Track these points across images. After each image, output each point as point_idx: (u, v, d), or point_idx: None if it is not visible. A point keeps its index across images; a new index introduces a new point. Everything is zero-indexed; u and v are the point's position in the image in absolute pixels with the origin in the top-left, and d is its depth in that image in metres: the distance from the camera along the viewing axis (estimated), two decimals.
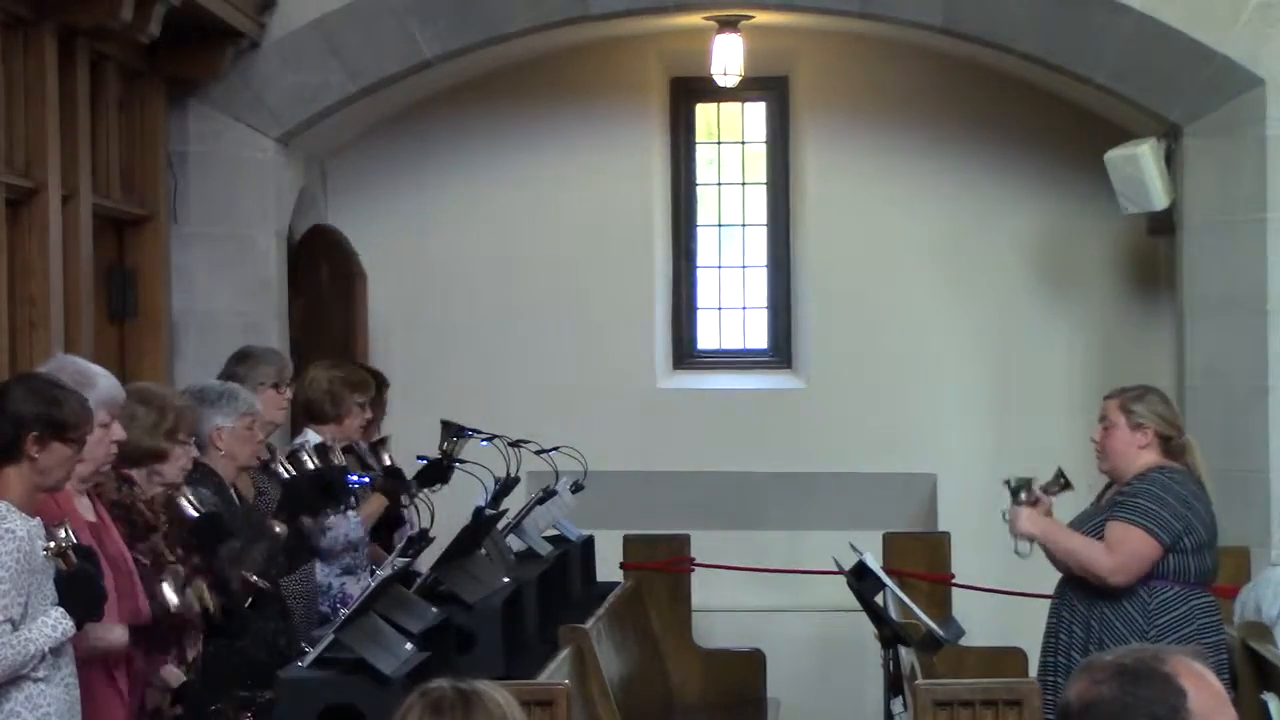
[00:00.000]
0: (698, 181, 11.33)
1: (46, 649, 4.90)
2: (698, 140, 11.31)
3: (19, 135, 7.59)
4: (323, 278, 10.28)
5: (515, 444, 8.51)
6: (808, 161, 11.09)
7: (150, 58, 8.83)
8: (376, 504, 7.90)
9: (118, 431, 5.57)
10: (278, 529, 6.64)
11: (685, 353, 11.33)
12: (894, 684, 6.31)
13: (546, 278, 11.00)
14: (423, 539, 6.69)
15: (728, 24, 10.36)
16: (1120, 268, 10.86)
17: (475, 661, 6.37)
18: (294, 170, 9.94)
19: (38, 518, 4.98)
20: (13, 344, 7.46)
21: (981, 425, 10.91)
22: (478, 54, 9.72)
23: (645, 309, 11.12)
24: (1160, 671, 2.77)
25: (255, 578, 6.17)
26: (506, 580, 7.26)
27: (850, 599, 6.74)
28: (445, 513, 7.82)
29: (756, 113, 11.32)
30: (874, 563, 6.48)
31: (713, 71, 10.55)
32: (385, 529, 8.18)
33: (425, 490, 8.14)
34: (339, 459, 7.45)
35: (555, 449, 8.87)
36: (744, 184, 11.38)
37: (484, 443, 8.43)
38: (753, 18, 10.25)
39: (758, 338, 11.37)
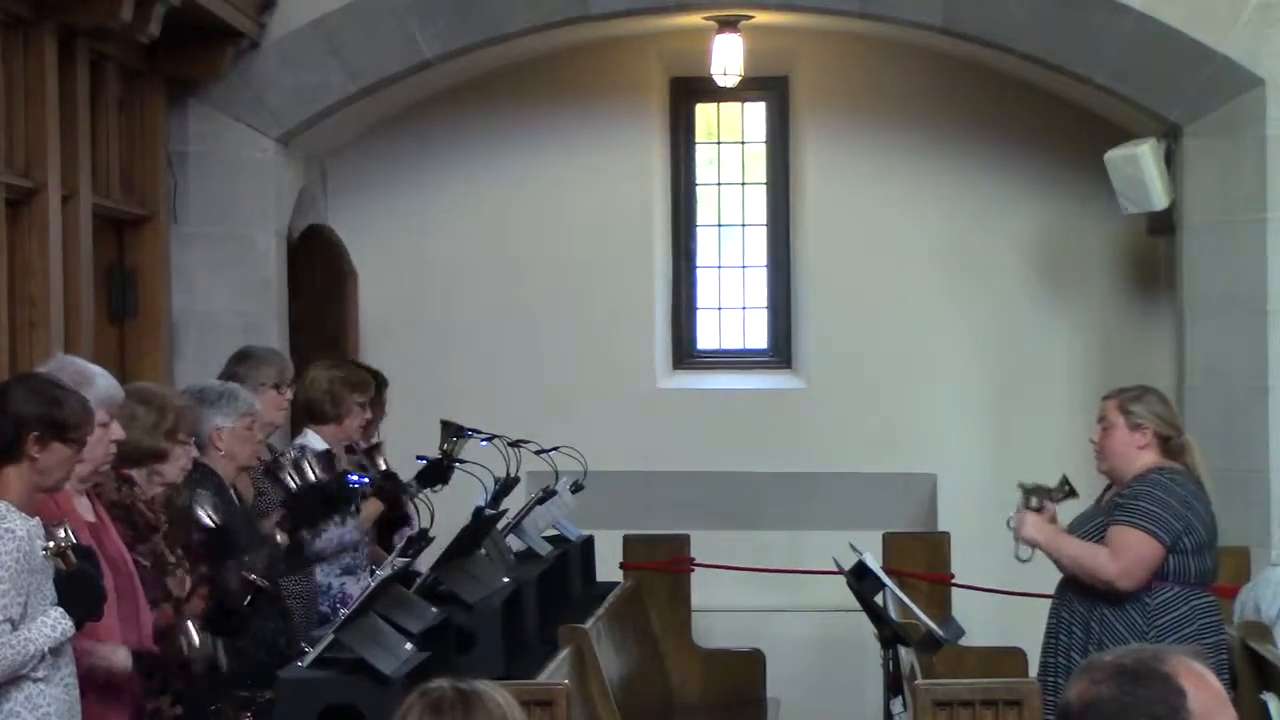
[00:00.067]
0: (697, 181, 11.33)
1: (46, 649, 4.90)
2: (698, 140, 11.31)
3: (19, 135, 7.59)
4: (316, 277, 10.28)
5: (515, 444, 8.51)
6: (808, 161, 11.09)
7: (150, 58, 8.83)
8: (373, 508, 7.91)
9: (117, 431, 5.57)
10: (279, 538, 6.63)
11: (685, 353, 11.33)
12: (894, 684, 6.31)
13: (546, 278, 11.00)
14: (423, 539, 6.69)
15: (728, 24, 10.37)
16: (1120, 268, 10.86)
17: (475, 661, 6.37)
18: (294, 170, 9.94)
19: (37, 518, 4.98)
20: (13, 344, 7.46)
21: (981, 425, 10.91)
22: (478, 54, 9.72)
23: (645, 309, 11.12)
24: (1160, 671, 2.77)
25: (254, 576, 6.17)
26: (506, 580, 7.26)
27: (850, 599, 6.74)
28: (445, 513, 7.82)
29: (756, 113, 11.32)
30: (874, 563, 6.48)
31: (713, 71, 10.55)
32: (386, 529, 8.18)
33: (425, 490, 8.14)
34: (344, 463, 7.47)
35: (555, 449, 8.87)
36: (744, 184, 11.38)
37: (484, 443, 8.43)
38: (753, 18, 10.25)
39: (758, 338, 11.37)
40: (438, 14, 9.39)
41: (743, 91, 11.01)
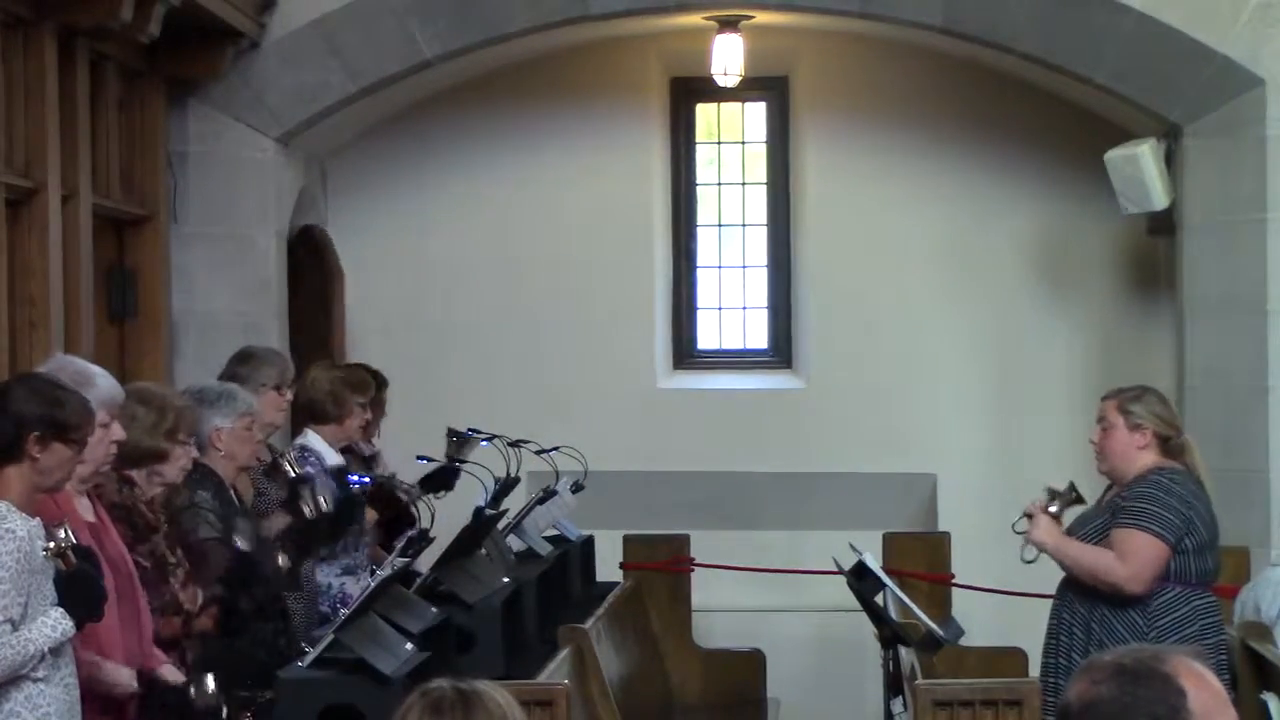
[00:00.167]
0: (698, 181, 11.33)
1: (46, 649, 4.90)
2: (698, 140, 11.30)
3: (19, 135, 7.58)
4: (311, 277, 10.28)
5: (515, 444, 8.52)
6: (808, 161, 11.09)
7: (150, 58, 8.82)
8: (370, 516, 7.92)
9: (117, 432, 5.57)
10: (281, 560, 6.62)
11: (685, 353, 11.33)
12: (894, 684, 6.32)
13: (546, 278, 11.00)
14: (423, 539, 6.69)
15: (728, 24, 10.36)
16: (1120, 268, 10.86)
17: (475, 661, 6.38)
18: (294, 170, 9.94)
19: (38, 518, 4.98)
20: (13, 344, 7.46)
21: (981, 425, 10.91)
22: (478, 54, 9.72)
23: (645, 309, 11.12)
24: (1160, 671, 2.77)
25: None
26: (506, 580, 7.27)
27: (850, 599, 6.75)
28: (445, 513, 7.82)
29: (756, 113, 11.32)
30: (874, 563, 6.49)
31: (713, 71, 10.55)
32: (387, 530, 8.18)
33: (428, 496, 8.13)
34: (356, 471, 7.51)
35: (555, 449, 8.88)
36: (744, 184, 11.38)
37: (484, 443, 8.44)
38: (753, 18, 10.25)
39: (758, 338, 11.37)
40: (438, 14, 9.38)
41: (743, 91, 11.01)
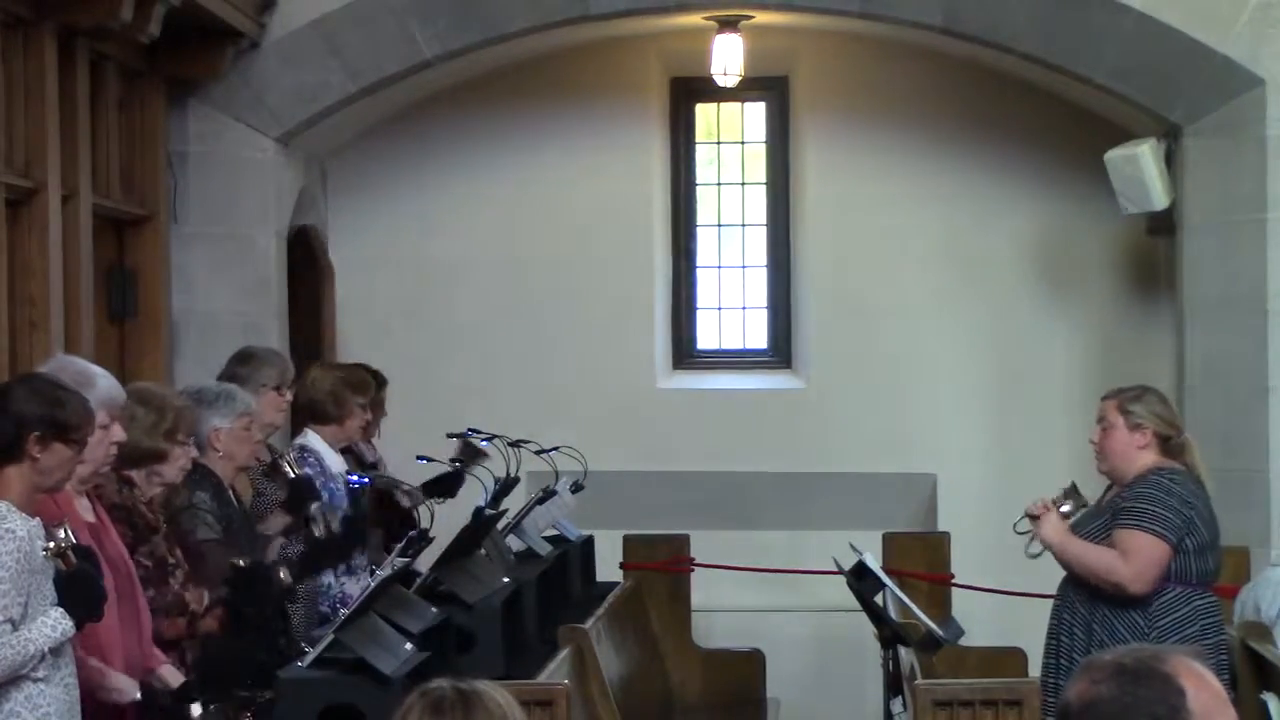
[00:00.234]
0: (697, 181, 11.33)
1: (46, 649, 4.90)
2: (697, 140, 11.30)
3: (19, 135, 7.58)
4: (304, 277, 10.28)
5: (515, 444, 8.51)
6: (808, 161, 11.09)
7: (150, 58, 8.82)
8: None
9: (117, 432, 5.57)
10: (283, 574, 6.61)
11: (685, 353, 11.33)
12: (894, 684, 6.32)
13: (546, 278, 11.00)
14: (423, 539, 6.69)
15: (728, 24, 10.36)
16: (1120, 268, 10.86)
17: (475, 661, 6.37)
18: (294, 170, 9.94)
19: (38, 518, 4.98)
20: (13, 344, 7.46)
21: (981, 425, 10.91)
22: (478, 54, 9.72)
23: (645, 309, 11.12)
24: (1160, 671, 2.77)
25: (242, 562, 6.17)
26: (506, 580, 7.26)
27: (850, 599, 6.75)
28: (445, 513, 7.82)
29: (756, 113, 11.32)
30: (874, 563, 6.49)
31: (713, 71, 10.55)
32: (387, 530, 8.18)
33: (430, 500, 8.13)
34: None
35: (555, 449, 8.87)
36: (744, 184, 11.38)
37: (484, 443, 8.44)
38: (753, 18, 10.25)
39: (758, 338, 11.37)
40: (438, 14, 9.38)
41: (743, 91, 11.01)
